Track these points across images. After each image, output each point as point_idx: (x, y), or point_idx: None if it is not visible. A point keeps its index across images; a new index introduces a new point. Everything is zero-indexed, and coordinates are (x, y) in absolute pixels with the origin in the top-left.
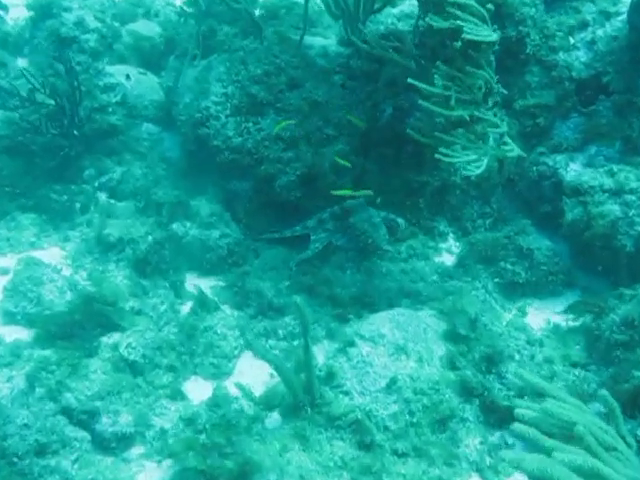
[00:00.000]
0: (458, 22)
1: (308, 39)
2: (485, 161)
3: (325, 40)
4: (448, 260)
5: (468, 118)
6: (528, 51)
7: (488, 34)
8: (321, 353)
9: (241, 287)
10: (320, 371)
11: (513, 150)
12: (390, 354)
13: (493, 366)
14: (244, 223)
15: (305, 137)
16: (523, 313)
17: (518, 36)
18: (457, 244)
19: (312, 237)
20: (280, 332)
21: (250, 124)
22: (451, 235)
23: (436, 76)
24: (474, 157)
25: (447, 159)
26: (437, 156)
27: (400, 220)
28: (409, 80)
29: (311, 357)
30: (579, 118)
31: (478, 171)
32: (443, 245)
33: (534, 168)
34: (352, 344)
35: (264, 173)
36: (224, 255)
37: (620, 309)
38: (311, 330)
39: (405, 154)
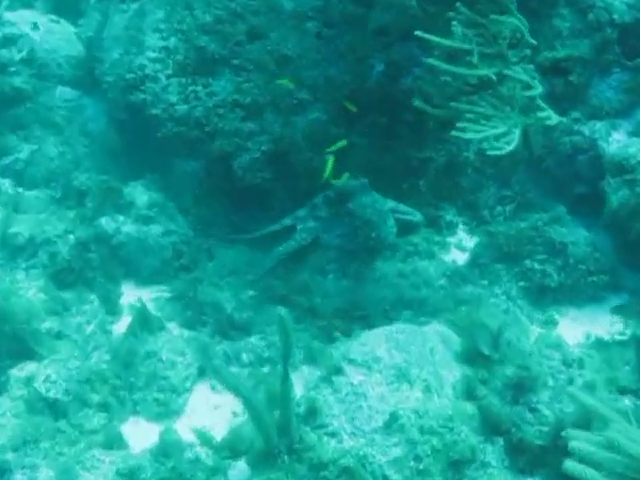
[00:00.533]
0: None
1: None
2: (517, 134)
3: None
4: (459, 258)
5: (495, 78)
6: None
7: None
8: (299, 382)
9: (192, 299)
10: (299, 406)
11: (551, 118)
12: (389, 383)
13: (521, 395)
14: (194, 215)
15: (271, 103)
16: (556, 325)
17: None
18: (470, 237)
19: (299, 227)
20: (244, 357)
21: (199, 87)
22: (461, 226)
23: (454, 23)
24: (502, 129)
25: (467, 135)
26: (455, 133)
27: (417, 215)
28: (416, 33)
29: (290, 389)
30: (623, 74)
31: (510, 147)
32: (452, 239)
33: (566, 139)
34: (339, 371)
35: (219, 150)
36: (169, 257)
37: None
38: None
39: (401, 123)
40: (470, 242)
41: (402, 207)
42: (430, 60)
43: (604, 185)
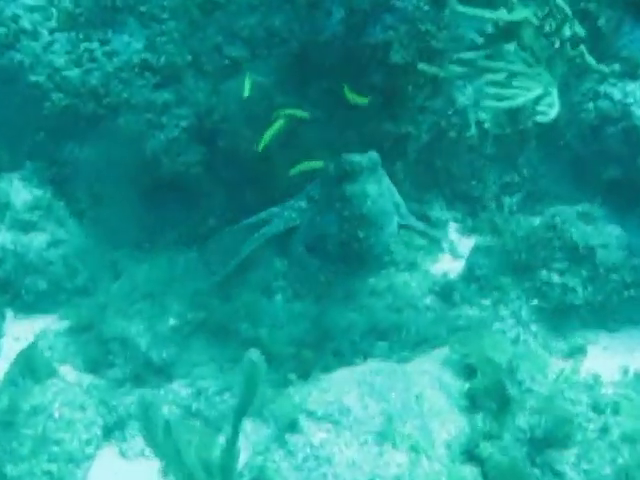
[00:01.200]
0: None
1: None
2: (555, 94)
3: None
4: (450, 268)
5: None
6: None
7: None
8: (242, 443)
9: (94, 332)
10: (242, 477)
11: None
12: (362, 443)
13: (538, 454)
14: (91, 218)
15: (193, 64)
16: (583, 356)
17: None
18: (465, 240)
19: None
20: (165, 410)
21: (94, 44)
22: (453, 225)
23: None
24: (539, 91)
25: (504, 103)
26: (488, 103)
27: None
28: None
29: (235, 457)
30: None
31: (553, 113)
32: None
33: (590, 105)
34: (295, 427)
35: (124, 129)
36: (59, 277)
37: None
38: (221, 401)
39: (368, 88)
40: (465, 246)
41: (419, 224)
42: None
43: None
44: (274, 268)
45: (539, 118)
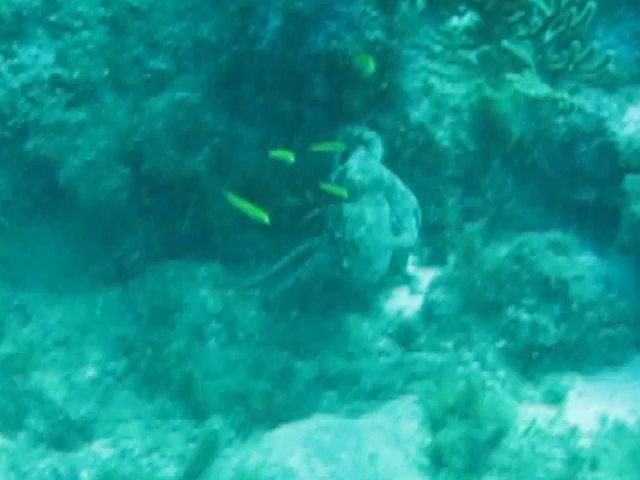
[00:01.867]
0: None
1: None
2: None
3: None
4: (407, 307)
5: None
6: None
7: None
8: None
9: (2, 386)
10: None
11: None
12: None
13: None
14: None
15: (112, 77)
16: (557, 403)
17: None
18: (421, 272)
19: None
20: (84, 475)
21: None
22: (409, 256)
23: None
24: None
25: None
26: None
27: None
28: None
29: None
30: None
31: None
32: (395, 277)
33: (560, 120)
34: None
35: (33, 154)
36: None
37: None
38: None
39: (310, 105)
40: (423, 280)
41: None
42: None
43: (625, 186)
44: (206, 309)
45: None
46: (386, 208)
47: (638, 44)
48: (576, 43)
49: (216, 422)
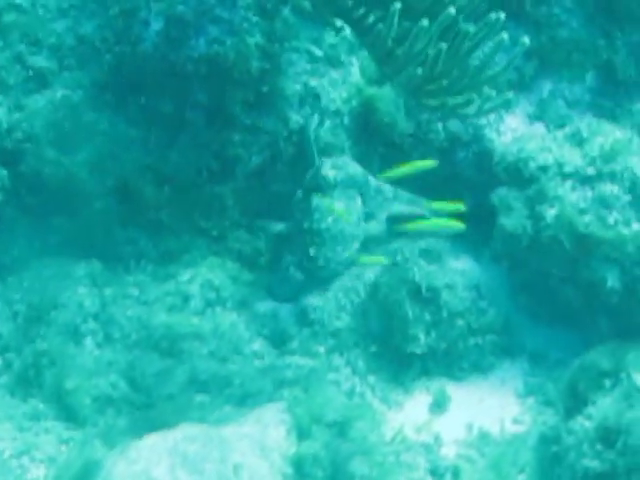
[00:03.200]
0: None
1: None
2: None
3: None
4: (280, 309)
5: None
6: None
7: None
8: None
9: None
10: None
11: None
12: None
13: None
14: None
15: None
16: (426, 409)
17: None
18: (301, 275)
19: None
20: None
21: None
22: (287, 257)
23: None
24: None
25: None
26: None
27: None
28: None
29: None
30: (519, 31)
31: None
32: (272, 278)
33: (438, 126)
34: None
35: None
36: None
37: (595, 406)
38: (19, 466)
39: (193, 107)
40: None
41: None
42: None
43: (493, 199)
44: (83, 307)
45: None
46: (357, 202)
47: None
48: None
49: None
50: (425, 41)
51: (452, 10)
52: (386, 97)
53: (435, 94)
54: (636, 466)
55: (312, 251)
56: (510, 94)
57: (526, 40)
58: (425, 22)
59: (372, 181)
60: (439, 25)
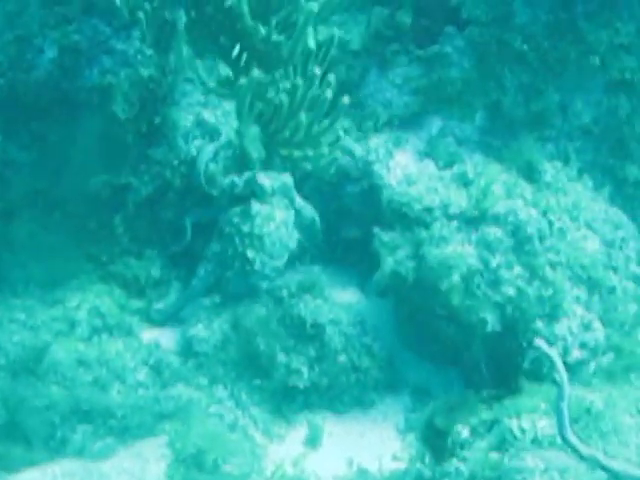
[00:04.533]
0: None
1: None
2: None
3: None
4: (167, 337)
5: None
6: None
7: None
8: None
9: None
10: None
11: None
12: None
13: None
14: None
15: None
16: (307, 442)
17: None
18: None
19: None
20: None
21: None
22: (175, 284)
23: None
24: None
25: None
26: None
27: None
28: None
29: None
30: (411, 68)
31: None
32: (159, 305)
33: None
34: None
35: None
36: None
37: (471, 450)
38: None
39: (85, 134)
40: (187, 310)
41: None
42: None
43: (376, 238)
44: None
45: None
46: (292, 212)
47: (409, 89)
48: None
49: None
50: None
51: None
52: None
53: (284, 144)
54: None
55: (250, 254)
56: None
57: (346, 99)
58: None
59: (297, 196)
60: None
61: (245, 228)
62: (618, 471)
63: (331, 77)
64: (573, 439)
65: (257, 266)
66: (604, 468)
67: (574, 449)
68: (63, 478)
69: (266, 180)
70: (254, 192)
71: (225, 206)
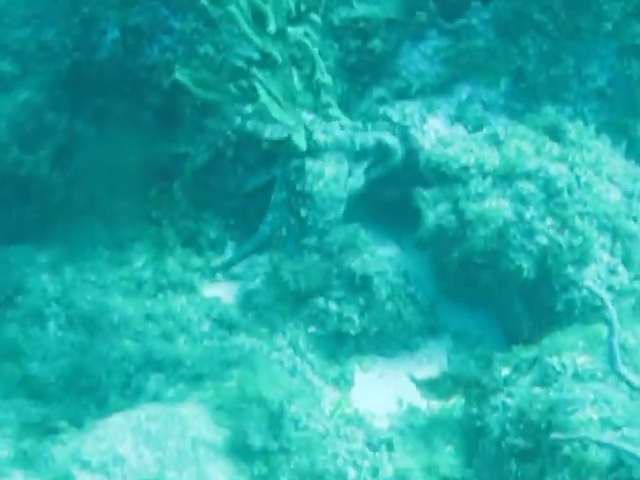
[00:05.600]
0: None
1: None
2: (302, 134)
3: None
4: (228, 293)
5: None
6: None
7: None
8: None
9: None
10: None
11: (339, 117)
12: None
13: None
14: None
15: None
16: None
17: None
18: (244, 260)
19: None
20: None
21: None
22: (231, 244)
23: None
24: (292, 122)
25: (273, 113)
26: (260, 103)
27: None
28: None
29: None
30: (440, 40)
31: (304, 145)
32: (217, 263)
33: (369, 125)
34: (68, 479)
35: None
36: None
37: (515, 386)
38: None
39: (145, 108)
40: (241, 267)
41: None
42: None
43: (416, 195)
44: (47, 293)
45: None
46: (345, 166)
47: (439, 60)
48: None
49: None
50: None
51: None
52: None
53: None
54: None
55: (303, 212)
56: None
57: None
58: None
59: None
60: None
61: (298, 187)
62: None
63: None
64: (624, 371)
65: (310, 222)
66: None
67: (626, 380)
68: (147, 422)
69: (320, 136)
70: (310, 149)
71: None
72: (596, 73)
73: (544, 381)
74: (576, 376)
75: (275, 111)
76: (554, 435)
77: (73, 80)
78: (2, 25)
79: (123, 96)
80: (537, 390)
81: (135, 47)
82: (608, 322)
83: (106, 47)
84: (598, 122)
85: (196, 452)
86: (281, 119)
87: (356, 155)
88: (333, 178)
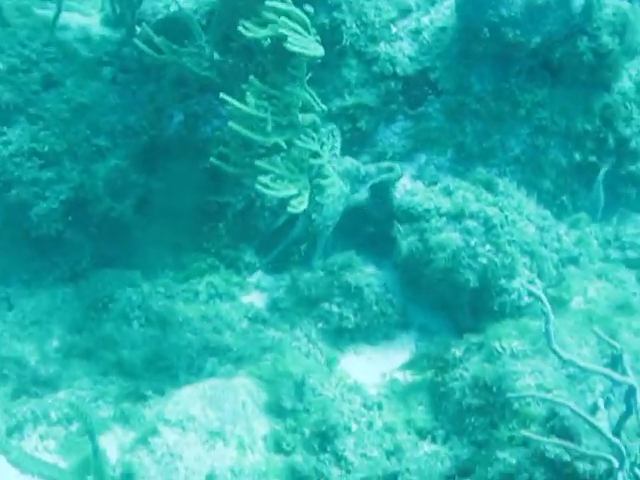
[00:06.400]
0: (281, 31)
1: (61, 16)
2: (306, 196)
3: (85, 18)
4: (258, 300)
5: (285, 145)
6: (344, 42)
7: (315, 47)
8: (113, 444)
9: None
10: (114, 471)
11: (334, 185)
12: (204, 442)
13: (328, 443)
14: None
15: (69, 151)
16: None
17: (332, 24)
18: (267, 278)
19: None
20: (53, 415)
21: None
22: (260, 266)
23: (248, 94)
24: (294, 191)
25: (268, 191)
26: (258, 187)
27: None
28: (222, 95)
29: (103, 463)
30: (406, 122)
31: (302, 207)
32: (251, 279)
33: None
34: (155, 432)
35: (16, 199)
36: None
37: (469, 362)
38: (97, 413)
39: (200, 170)
40: (268, 282)
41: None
42: (231, 124)
43: (394, 230)
44: (131, 301)
45: (289, 209)
46: (346, 189)
47: (405, 136)
48: None
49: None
50: None
51: None
52: None
53: None
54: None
55: (314, 216)
56: None
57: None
58: None
59: (362, 169)
60: None
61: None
62: (586, 367)
63: None
64: (557, 348)
65: (316, 223)
66: (579, 367)
67: (558, 355)
68: (210, 390)
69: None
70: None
71: None
72: (514, 145)
73: (490, 359)
74: (513, 355)
75: (276, 191)
76: (509, 394)
77: (149, 151)
78: (97, 113)
79: (184, 161)
80: (486, 365)
81: (194, 127)
82: (544, 313)
83: (173, 127)
84: (516, 179)
85: (245, 411)
86: (284, 195)
87: (362, 178)
88: (337, 196)
